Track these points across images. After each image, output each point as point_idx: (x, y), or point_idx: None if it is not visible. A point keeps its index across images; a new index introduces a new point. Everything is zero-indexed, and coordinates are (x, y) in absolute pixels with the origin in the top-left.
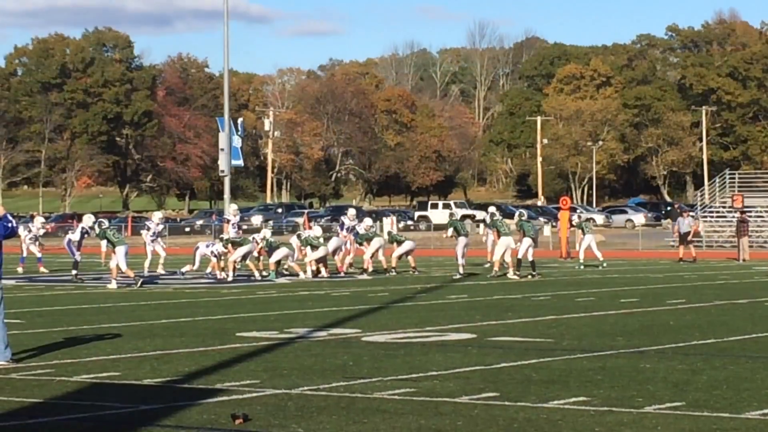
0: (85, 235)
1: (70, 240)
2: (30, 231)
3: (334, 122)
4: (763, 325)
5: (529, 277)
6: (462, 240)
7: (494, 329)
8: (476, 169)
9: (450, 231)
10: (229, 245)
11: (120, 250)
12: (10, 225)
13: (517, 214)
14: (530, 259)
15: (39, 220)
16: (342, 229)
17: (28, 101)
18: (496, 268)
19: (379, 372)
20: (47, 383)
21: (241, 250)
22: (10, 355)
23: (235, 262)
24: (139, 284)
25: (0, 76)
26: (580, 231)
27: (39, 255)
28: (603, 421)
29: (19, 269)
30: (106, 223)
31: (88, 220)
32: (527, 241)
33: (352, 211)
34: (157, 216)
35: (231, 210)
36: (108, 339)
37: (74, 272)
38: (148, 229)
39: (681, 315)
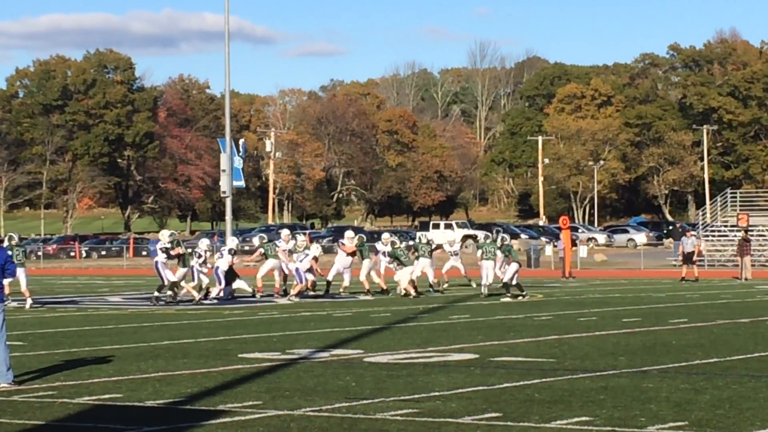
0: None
1: (158, 262)
2: None
3: (335, 143)
4: (766, 345)
5: (520, 298)
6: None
7: (497, 349)
8: (478, 188)
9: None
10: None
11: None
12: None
13: (499, 238)
14: (514, 282)
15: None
16: (377, 255)
17: (30, 123)
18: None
19: (382, 393)
20: (49, 405)
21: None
22: (12, 378)
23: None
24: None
25: (1, 98)
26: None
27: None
28: None
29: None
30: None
31: (164, 235)
32: (514, 266)
33: (386, 236)
34: (204, 243)
35: (283, 235)
36: (110, 361)
37: (157, 294)
38: (200, 256)
39: (683, 334)
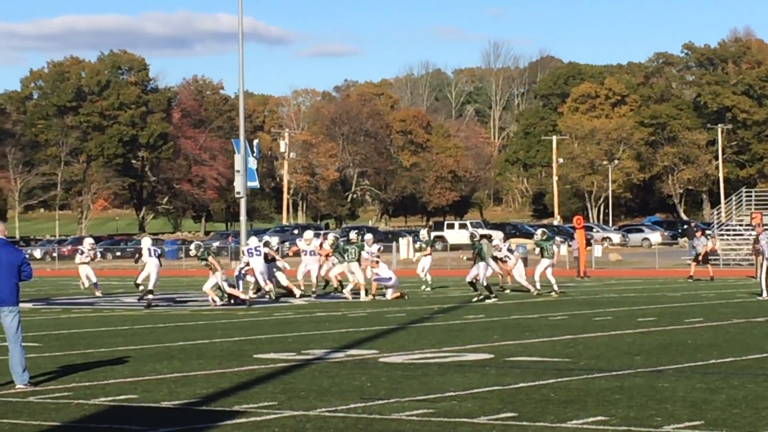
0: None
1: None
2: (83, 253)
3: (349, 143)
4: None
5: (474, 300)
6: (545, 261)
7: (512, 349)
8: (492, 188)
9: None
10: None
11: (218, 274)
12: (29, 268)
13: (469, 235)
14: (476, 281)
15: (88, 241)
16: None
17: (44, 124)
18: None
19: (397, 393)
20: (65, 406)
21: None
22: (28, 379)
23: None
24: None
25: (16, 100)
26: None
27: (95, 279)
28: None
29: (98, 293)
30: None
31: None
32: (481, 266)
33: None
34: (275, 240)
35: (306, 236)
36: (126, 361)
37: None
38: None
39: (699, 334)
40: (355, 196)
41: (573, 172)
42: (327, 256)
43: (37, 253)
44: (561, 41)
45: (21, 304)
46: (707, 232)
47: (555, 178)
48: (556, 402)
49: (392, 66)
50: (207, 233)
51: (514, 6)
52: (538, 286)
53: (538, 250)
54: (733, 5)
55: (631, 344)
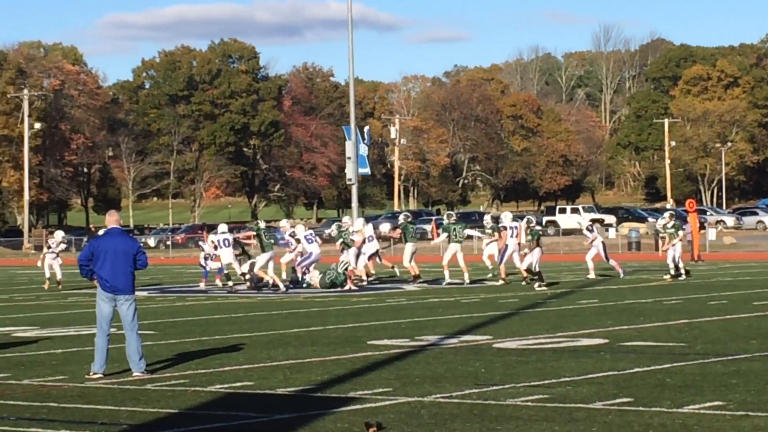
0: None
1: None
2: (203, 249)
3: (459, 128)
4: None
5: (537, 285)
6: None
7: (626, 334)
8: (604, 172)
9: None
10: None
11: (264, 256)
12: (144, 257)
13: (524, 221)
14: (522, 266)
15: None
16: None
17: (157, 114)
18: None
19: (512, 378)
20: (182, 394)
21: (264, 257)
22: (145, 366)
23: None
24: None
25: (128, 89)
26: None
27: (219, 266)
28: (739, 426)
29: (218, 281)
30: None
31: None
32: (538, 252)
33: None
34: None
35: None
36: (240, 349)
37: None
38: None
39: None
40: (466, 181)
41: (685, 155)
42: (396, 235)
43: (151, 242)
44: (672, 23)
45: (136, 292)
46: None
47: (667, 162)
48: (671, 387)
49: (502, 51)
50: (319, 220)
51: None
52: (682, 270)
53: (673, 232)
54: None
55: (747, 328)
